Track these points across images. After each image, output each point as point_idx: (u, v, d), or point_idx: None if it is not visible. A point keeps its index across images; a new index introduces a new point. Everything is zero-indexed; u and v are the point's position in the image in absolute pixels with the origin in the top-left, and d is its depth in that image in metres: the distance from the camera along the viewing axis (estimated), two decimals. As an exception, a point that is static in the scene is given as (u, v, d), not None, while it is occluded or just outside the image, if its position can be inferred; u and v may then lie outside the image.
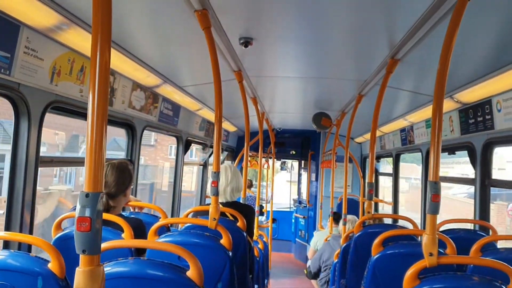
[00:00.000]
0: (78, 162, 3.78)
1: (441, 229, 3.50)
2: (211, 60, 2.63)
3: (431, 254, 1.98)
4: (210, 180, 2.72)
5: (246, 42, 3.06)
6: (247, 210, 3.38)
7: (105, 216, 2.37)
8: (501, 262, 2.01)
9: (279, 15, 2.67)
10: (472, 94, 3.66)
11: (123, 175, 2.75)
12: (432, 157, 1.97)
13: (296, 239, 10.76)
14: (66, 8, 2.36)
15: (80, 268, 1.26)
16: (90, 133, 1.24)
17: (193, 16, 2.47)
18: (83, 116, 3.27)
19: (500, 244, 3.23)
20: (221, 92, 2.70)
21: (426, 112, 4.80)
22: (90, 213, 1.21)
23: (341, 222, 5.76)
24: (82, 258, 1.25)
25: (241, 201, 4.38)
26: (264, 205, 9.64)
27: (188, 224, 2.98)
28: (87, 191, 1.23)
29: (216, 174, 2.70)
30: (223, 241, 2.53)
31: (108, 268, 1.79)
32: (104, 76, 1.26)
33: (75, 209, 2.76)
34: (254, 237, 5.38)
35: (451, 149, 4.59)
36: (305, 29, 2.91)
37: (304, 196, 10.95)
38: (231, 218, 3.16)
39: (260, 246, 5.41)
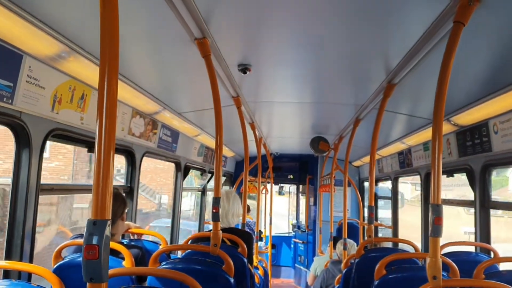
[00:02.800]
0: (79, 189, 3.77)
1: (443, 251, 3.49)
2: (211, 87, 2.66)
3: (435, 278, 1.97)
4: (210, 206, 2.72)
5: (245, 68, 3.11)
6: (246, 236, 3.36)
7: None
8: (505, 284, 2.00)
9: (276, 42, 2.71)
10: (468, 117, 3.69)
11: (117, 201, 2.77)
12: (433, 180, 1.97)
13: (296, 265, 10.65)
14: (67, 37, 2.40)
15: None
16: (97, 161, 1.24)
17: (193, 44, 2.52)
18: (84, 143, 3.28)
19: (503, 266, 3.21)
20: (221, 118, 2.73)
21: (424, 135, 4.83)
22: (97, 241, 1.21)
23: (339, 244, 5.72)
24: (89, 286, 1.24)
25: (240, 227, 4.37)
26: (263, 230, 9.57)
27: (188, 251, 2.96)
28: (94, 219, 1.23)
29: (217, 199, 2.69)
30: (225, 267, 2.52)
31: None
32: (111, 106, 1.27)
33: (75, 237, 2.76)
34: (254, 263, 5.33)
35: (449, 172, 4.60)
36: (302, 55, 2.96)
37: (303, 220, 10.89)
38: (228, 243, 3.14)
39: (260, 272, 5.35)
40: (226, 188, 9.51)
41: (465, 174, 4.24)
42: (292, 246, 10.88)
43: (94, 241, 1.21)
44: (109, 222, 1.24)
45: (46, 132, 2.74)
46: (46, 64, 2.51)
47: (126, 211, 2.88)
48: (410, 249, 3.75)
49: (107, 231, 1.23)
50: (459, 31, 1.93)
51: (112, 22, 1.28)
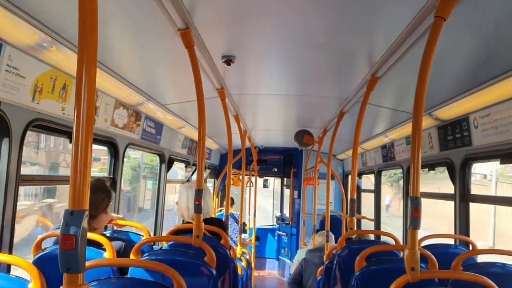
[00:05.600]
0: (59, 180, 3.73)
1: (423, 244, 3.54)
2: (194, 78, 2.65)
3: (413, 269, 2.00)
4: (193, 198, 2.72)
5: (229, 60, 3.09)
6: (218, 223, 3.35)
7: (88, 235, 2.34)
8: (482, 276, 2.04)
9: (260, 34, 2.71)
10: (450, 112, 3.74)
11: (102, 193, 2.72)
12: (412, 173, 2.00)
13: (279, 257, 10.72)
14: (49, 27, 2.36)
15: (64, 287, 1.24)
16: (75, 151, 1.23)
17: (177, 34, 2.50)
18: (65, 134, 3.24)
19: (480, 259, 3.27)
20: (204, 110, 2.72)
21: (406, 129, 4.88)
22: (74, 231, 1.20)
23: (317, 237, 5.78)
24: (66, 276, 1.24)
25: (224, 219, 4.38)
26: (247, 222, 9.61)
27: (171, 242, 2.96)
28: (71, 209, 1.22)
29: (200, 191, 2.70)
30: (207, 258, 2.52)
31: None
32: (90, 94, 1.26)
33: (56, 228, 2.73)
34: (238, 255, 5.35)
35: (430, 165, 4.66)
36: (287, 47, 2.96)
37: (287, 213, 10.95)
38: (208, 234, 3.14)
39: (243, 263, 5.37)
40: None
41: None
42: (276, 238, 10.94)
43: (71, 232, 1.20)
44: (86, 212, 1.23)
45: (26, 122, 2.71)
46: (27, 53, 2.47)
47: (110, 204, 2.83)
48: (392, 242, 3.80)
49: (85, 221, 1.22)
50: (440, 26, 1.94)
51: (90, 9, 1.27)
